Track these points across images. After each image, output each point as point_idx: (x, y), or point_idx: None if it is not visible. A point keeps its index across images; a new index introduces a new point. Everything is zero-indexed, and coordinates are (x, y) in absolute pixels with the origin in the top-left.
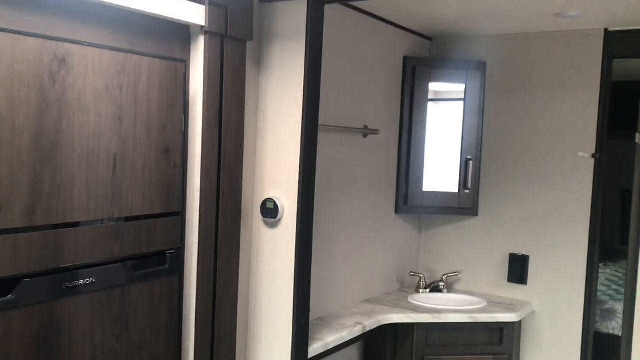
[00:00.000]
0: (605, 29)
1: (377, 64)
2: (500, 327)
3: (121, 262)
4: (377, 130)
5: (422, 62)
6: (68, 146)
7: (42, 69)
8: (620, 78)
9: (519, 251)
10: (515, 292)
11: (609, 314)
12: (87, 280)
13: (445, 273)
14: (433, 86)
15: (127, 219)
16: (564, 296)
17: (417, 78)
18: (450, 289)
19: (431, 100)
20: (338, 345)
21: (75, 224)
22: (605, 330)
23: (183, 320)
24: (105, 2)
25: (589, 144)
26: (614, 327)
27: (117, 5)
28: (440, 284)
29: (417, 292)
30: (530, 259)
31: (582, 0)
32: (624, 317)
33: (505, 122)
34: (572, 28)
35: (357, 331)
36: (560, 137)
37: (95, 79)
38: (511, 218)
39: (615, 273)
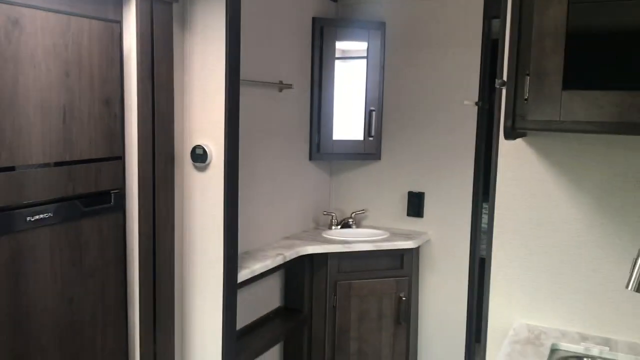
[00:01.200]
0: None
1: (290, 25)
2: (400, 253)
3: (73, 200)
4: (291, 85)
5: (329, 22)
6: (24, 98)
7: None
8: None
9: (416, 189)
10: (413, 224)
11: None
12: (46, 215)
13: (354, 211)
14: (340, 45)
15: (77, 162)
16: (454, 226)
17: (324, 37)
18: (358, 225)
19: (338, 58)
20: (263, 273)
21: (34, 166)
22: None
23: (127, 251)
24: None
25: (474, 94)
26: None
27: None
28: (350, 220)
29: (330, 228)
30: (426, 195)
31: None
32: (487, 241)
33: (403, 76)
34: None
35: (278, 260)
36: (449, 88)
37: (44, 38)
38: (409, 160)
39: None
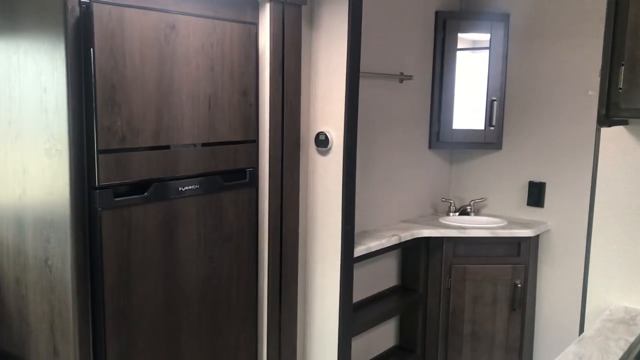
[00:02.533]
0: None
1: (412, 19)
2: (518, 241)
3: (215, 175)
4: (411, 76)
5: (452, 15)
6: (178, 89)
7: (159, 33)
8: None
9: (537, 179)
10: (533, 214)
11: None
12: (194, 187)
13: (473, 199)
14: (462, 36)
15: (219, 144)
16: (575, 217)
17: (447, 30)
18: (477, 213)
19: (460, 49)
20: (380, 252)
21: (185, 146)
22: None
23: (259, 222)
24: None
25: (597, 84)
26: None
27: None
28: (468, 208)
29: (448, 215)
30: (547, 185)
31: None
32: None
33: (526, 67)
34: None
35: (393, 240)
36: (572, 78)
37: (195, 39)
38: (531, 150)
39: None
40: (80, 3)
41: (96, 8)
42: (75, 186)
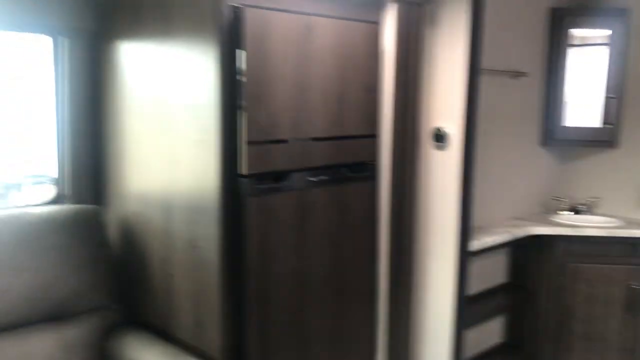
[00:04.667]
0: None
1: (524, 15)
2: (635, 242)
3: (341, 167)
4: (525, 72)
5: (568, 12)
6: (314, 87)
7: (298, 34)
8: None
9: None
10: None
11: None
12: (323, 177)
13: (585, 198)
14: (577, 33)
15: (345, 138)
16: None
17: (563, 26)
18: (589, 211)
19: (574, 45)
20: (490, 248)
21: (317, 139)
22: None
23: (378, 213)
24: None
25: None
26: None
27: None
28: (580, 206)
29: (559, 213)
30: None
31: None
32: None
33: None
34: None
35: (506, 237)
36: None
37: (327, 39)
38: None
39: None
40: (233, 8)
41: (247, 12)
42: (223, 174)
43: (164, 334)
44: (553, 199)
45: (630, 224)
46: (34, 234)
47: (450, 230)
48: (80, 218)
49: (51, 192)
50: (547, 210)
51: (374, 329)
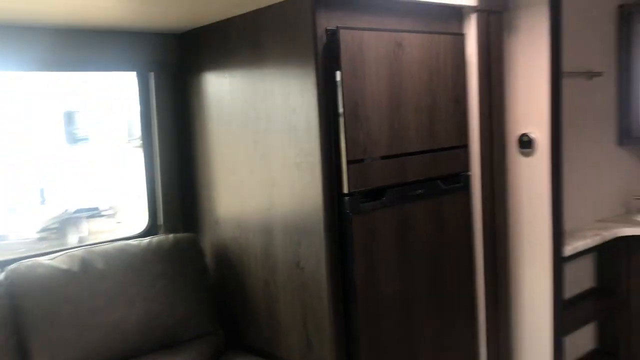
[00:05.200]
0: None
1: (594, 15)
2: None
3: (436, 180)
4: (600, 72)
5: (635, 7)
6: (406, 102)
7: (389, 51)
8: None
9: None
10: None
11: None
12: (419, 191)
13: None
14: None
15: (438, 150)
16: None
17: (633, 22)
18: None
19: None
20: (581, 252)
21: (412, 153)
22: None
23: (473, 222)
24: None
25: None
26: None
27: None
28: None
29: None
30: None
31: None
32: None
33: None
34: None
35: (597, 240)
36: None
37: (417, 54)
38: None
39: None
40: (327, 30)
41: (343, 34)
42: (326, 194)
43: (269, 357)
44: (635, 199)
45: None
46: (141, 264)
47: (544, 236)
48: (181, 247)
49: (144, 222)
50: (630, 211)
51: (476, 342)
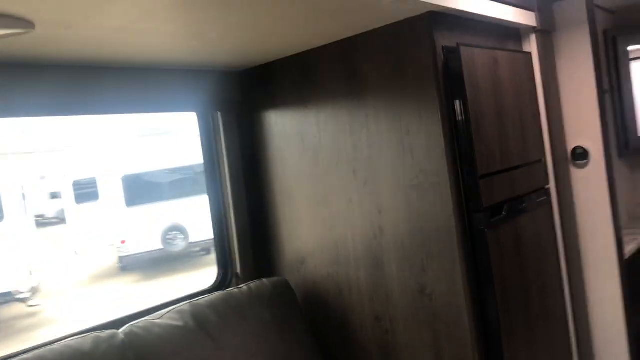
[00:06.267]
0: None
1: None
2: None
3: (531, 194)
4: (606, 90)
5: (618, 31)
6: (505, 117)
7: (491, 68)
8: None
9: None
10: None
11: None
12: (524, 205)
13: None
14: (633, 48)
15: (527, 164)
16: None
17: (618, 45)
18: None
19: (635, 59)
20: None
21: (515, 168)
22: None
23: (557, 234)
24: (496, 18)
25: None
26: None
27: (498, 18)
28: None
29: None
30: None
31: None
32: None
33: None
34: None
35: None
36: None
37: (506, 71)
38: None
39: None
40: (444, 48)
41: (463, 50)
42: (457, 212)
43: None
44: (638, 206)
45: None
46: (251, 312)
47: (605, 242)
48: (280, 291)
49: (213, 275)
50: (633, 217)
51: (572, 353)
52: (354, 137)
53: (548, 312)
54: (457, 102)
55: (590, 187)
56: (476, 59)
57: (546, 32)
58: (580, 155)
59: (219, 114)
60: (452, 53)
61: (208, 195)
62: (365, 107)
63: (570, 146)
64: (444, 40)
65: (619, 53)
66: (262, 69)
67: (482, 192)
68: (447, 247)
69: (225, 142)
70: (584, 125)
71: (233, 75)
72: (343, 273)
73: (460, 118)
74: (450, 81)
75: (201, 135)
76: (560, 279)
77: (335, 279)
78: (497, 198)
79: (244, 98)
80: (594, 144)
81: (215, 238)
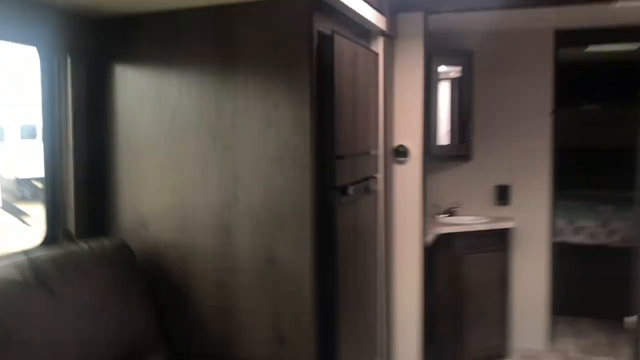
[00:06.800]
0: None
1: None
2: (502, 232)
3: (364, 181)
4: None
5: (433, 53)
6: (357, 107)
7: (351, 59)
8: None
9: (503, 182)
10: (502, 211)
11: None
12: (363, 189)
13: (453, 202)
14: (441, 69)
15: (367, 153)
16: (535, 213)
17: (431, 64)
18: (456, 214)
19: (442, 79)
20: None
21: (359, 154)
22: (573, 241)
23: (379, 220)
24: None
25: (547, 106)
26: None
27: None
28: (453, 209)
29: (439, 216)
30: (512, 187)
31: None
32: None
33: (488, 93)
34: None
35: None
36: (528, 103)
37: (362, 65)
38: (497, 160)
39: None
40: (319, 33)
41: (337, 38)
42: (313, 188)
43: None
44: (432, 206)
45: (495, 219)
46: (93, 272)
47: (416, 232)
48: (121, 252)
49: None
50: (429, 215)
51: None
52: (219, 104)
53: (368, 285)
54: (326, 85)
55: (407, 181)
56: (344, 48)
57: (390, 37)
58: (402, 152)
59: (69, 59)
60: (327, 39)
61: (43, 142)
62: (235, 76)
63: (395, 143)
64: (320, 25)
65: (431, 71)
66: (126, 20)
67: (337, 171)
68: (300, 219)
69: (73, 90)
70: (408, 126)
71: (89, 20)
72: (188, 240)
73: (327, 99)
74: (322, 65)
75: (42, 75)
76: (377, 257)
77: (179, 246)
78: (346, 179)
79: (99, 47)
80: (414, 144)
81: (46, 190)
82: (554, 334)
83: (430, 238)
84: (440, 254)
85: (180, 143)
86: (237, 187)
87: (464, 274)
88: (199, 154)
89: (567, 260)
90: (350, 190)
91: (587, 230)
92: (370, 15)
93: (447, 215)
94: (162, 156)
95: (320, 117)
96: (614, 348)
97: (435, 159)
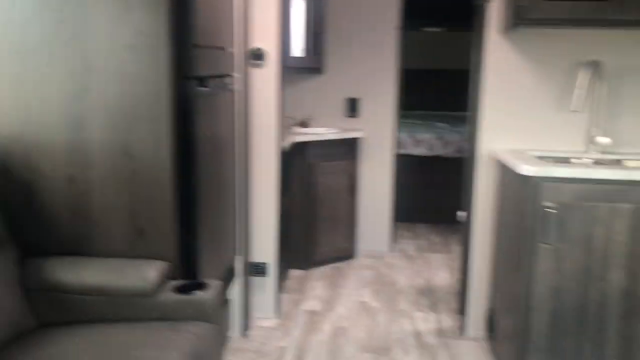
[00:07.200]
0: None
1: None
2: (351, 142)
3: (219, 77)
4: None
5: None
6: None
7: None
8: None
9: (353, 95)
10: (351, 123)
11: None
12: (221, 84)
13: (306, 114)
14: None
15: (224, 49)
16: (382, 124)
17: None
18: (309, 125)
19: None
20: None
21: (218, 48)
22: (414, 152)
23: (235, 121)
24: None
25: (393, 20)
26: (421, 151)
27: None
28: (306, 121)
29: (292, 127)
30: (361, 100)
31: None
32: None
33: (341, 5)
34: None
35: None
36: (378, 14)
37: None
38: (347, 74)
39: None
40: None
41: None
42: (171, 78)
43: (79, 255)
44: (286, 117)
45: (345, 130)
46: None
47: (271, 137)
48: None
49: None
50: (284, 126)
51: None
52: None
53: (227, 183)
54: None
55: (265, 85)
56: None
57: None
58: (259, 55)
59: None
60: None
61: None
62: None
63: (252, 46)
64: None
65: None
66: None
67: (195, 61)
68: (156, 110)
69: None
70: (264, 30)
71: None
72: (33, 135)
73: None
74: None
75: None
76: (235, 157)
77: (23, 141)
78: (204, 71)
79: None
80: (271, 48)
81: None
82: (395, 237)
83: (287, 144)
84: (296, 161)
85: (23, 29)
86: (88, 78)
87: (317, 181)
88: (44, 41)
89: (409, 171)
90: (209, 83)
91: (426, 142)
92: None
93: (301, 126)
94: (2, 42)
95: (178, 3)
96: (446, 246)
97: (290, 70)
